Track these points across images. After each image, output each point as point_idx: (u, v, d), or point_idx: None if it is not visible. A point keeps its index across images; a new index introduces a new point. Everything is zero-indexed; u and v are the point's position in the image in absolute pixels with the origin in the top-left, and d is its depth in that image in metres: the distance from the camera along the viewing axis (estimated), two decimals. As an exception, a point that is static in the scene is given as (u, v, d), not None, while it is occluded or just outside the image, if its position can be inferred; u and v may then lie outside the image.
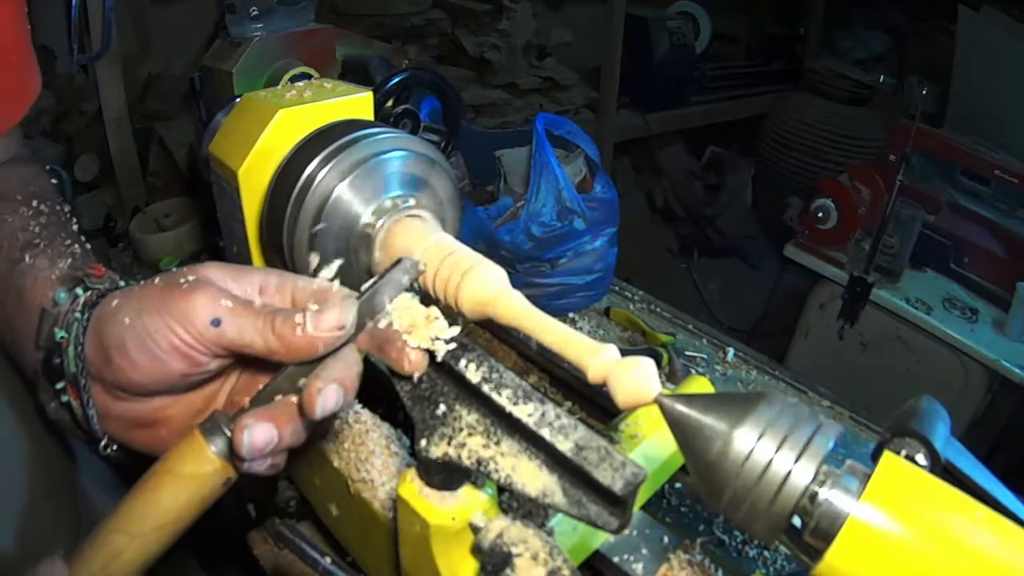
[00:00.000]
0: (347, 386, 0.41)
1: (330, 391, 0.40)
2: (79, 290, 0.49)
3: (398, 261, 0.44)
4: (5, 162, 0.65)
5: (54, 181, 0.66)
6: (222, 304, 0.41)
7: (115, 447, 0.49)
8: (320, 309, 0.41)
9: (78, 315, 0.46)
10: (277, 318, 0.41)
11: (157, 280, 0.44)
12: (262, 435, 0.40)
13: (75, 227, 0.59)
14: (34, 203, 0.58)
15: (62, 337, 0.46)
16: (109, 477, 0.75)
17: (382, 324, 0.43)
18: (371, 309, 0.43)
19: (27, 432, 0.59)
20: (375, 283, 0.43)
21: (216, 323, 0.41)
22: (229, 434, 0.41)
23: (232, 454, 0.41)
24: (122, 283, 0.50)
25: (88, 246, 0.57)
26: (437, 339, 0.41)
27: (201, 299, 0.41)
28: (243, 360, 0.46)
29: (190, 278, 0.43)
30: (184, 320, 0.41)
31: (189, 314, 0.41)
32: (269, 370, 0.45)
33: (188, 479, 0.41)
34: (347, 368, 0.42)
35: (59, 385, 0.47)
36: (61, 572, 0.38)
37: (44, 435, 0.61)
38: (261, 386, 0.44)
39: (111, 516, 0.41)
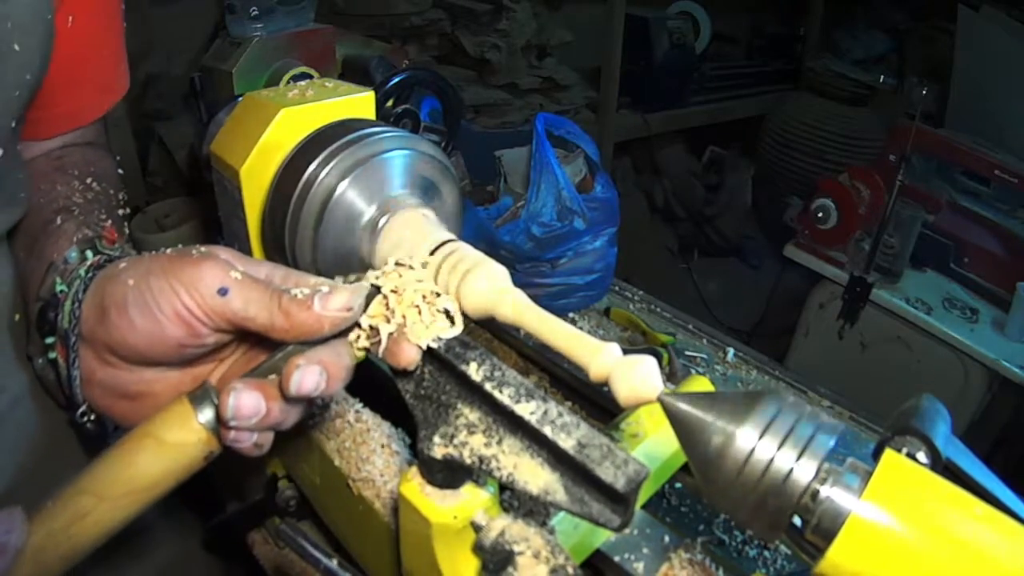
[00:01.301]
0: (331, 372, 0.40)
1: (309, 370, 0.39)
2: (89, 252, 0.49)
3: None
4: (80, 144, 0.66)
5: (120, 171, 0.67)
6: (231, 275, 0.41)
7: (92, 417, 0.48)
8: (329, 291, 0.41)
9: (82, 273, 0.46)
10: (285, 295, 0.41)
11: (168, 250, 0.44)
12: (249, 401, 0.39)
13: (121, 212, 0.59)
14: (88, 180, 0.59)
15: (61, 291, 0.46)
16: None
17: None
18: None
19: (41, 399, 0.58)
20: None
21: (223, 292, 0.40)
22: (217, 403, 0.40)
23: (218, 425, 0.40)
24: (134, 254, 0.50)
25: (127, 230, 0.57)
26: (439, 338, 0.41)
27: (211, 267, 0.41)
28: (241, 340, 0.46)
29: (202, 250, 0.43)
30: (191, 286, 0.41)
31: (196, 280, 0.41)
32: (265, 354, 0.44)
33: (169, 446, 0.40)
34: (336, 356, 0.41)
35: (49, 340, 0.46)
36: (19, 526, 0.37)
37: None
38: None
39: (81, 475, 0.40)
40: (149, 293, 0.41)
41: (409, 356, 0.41)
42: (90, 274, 0.46)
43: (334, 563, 0.47)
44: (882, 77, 2.41)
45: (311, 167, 0.50)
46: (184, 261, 0.42)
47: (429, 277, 0.44)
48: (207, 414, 0.40)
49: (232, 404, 0.39)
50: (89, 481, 0.39)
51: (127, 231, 0.58)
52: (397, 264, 0.44)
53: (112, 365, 0.45)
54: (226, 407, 0.39)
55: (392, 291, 0.43)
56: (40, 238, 0.53)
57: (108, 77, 0.66)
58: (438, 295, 0.43)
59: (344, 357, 0.42)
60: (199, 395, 0.41)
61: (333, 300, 0.40)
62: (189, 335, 0.42)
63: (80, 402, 0.47)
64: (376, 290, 0.43)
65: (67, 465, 0.58)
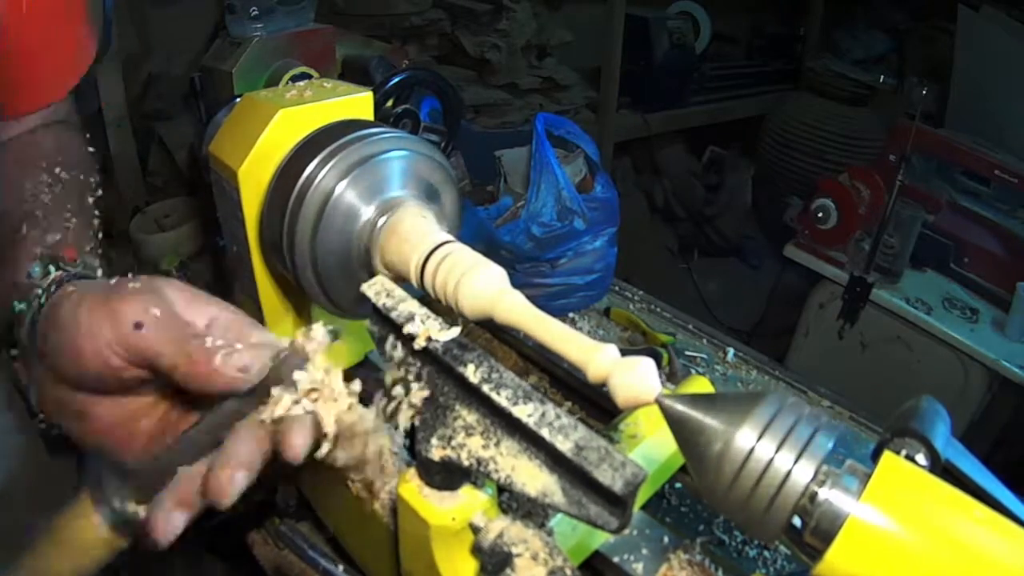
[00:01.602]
0: (253, 471, 0.39)
1: (238, 477, 0.38)
2: (52, 267, 0.49)
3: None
4: (51, 123, 0.66)
5: (91, 149, 0.67)
6: (151, 311, 0.41)
7: (52, 427, 0.48)
8: (241, 349, 0.40)
9: (39, 291, 0.47)
10: (195, 340, 0.40)
11: (114, 280, 0.45)
12: (174, 523, 0.39)
13: (92, 199, 0.59)
14: (56, 170, 0.59)
15: (20, 310, 0.47)
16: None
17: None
18: (281, 376, 0.40)
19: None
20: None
21: (138, 326, 0.40)
22: (118, 506, 0.40)
23: (122, 520, 0.40)
24: (99, 271, 0.51)
25: (96, 220, 0.57)
26: (438, 340, 0.41)
27: (134, 302, 0.41)
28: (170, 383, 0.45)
29: (138, 284, 0.43)
30: (111, 319, 0.41)
31: (117, 314, 0.41)
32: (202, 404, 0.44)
33: (71, 549, 0.40)
34: (253, 454, 0.40)
35: (13, 352, 0.48)
36: None
37: None
38: (190, 419, 0.44)
39: None
40: (75, 323, 0.42)
41: (293, 450, 0.39)
42: (46, 294, 0.47)
43: (333, 565, 0.47)
44: (882, 77, 2.41)
45: (309, 168, 0.50)
46: (115, 294, 0.42)
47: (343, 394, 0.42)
48: (108, 514, 0.40)
49: (159, 527, 0.39)
50: None
51: (97, 217, 0.58)
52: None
53: (59, 384, 0.45)
54: (151, 528, 0.39)
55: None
56: (7, 250, 0.53)
57: (73, 50, 0.66)
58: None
59: (264, 443, 0.40)
60: (98, 494, 0.40)
61: (234, 358, 0.40)
62: (104, 367, 0.42)
63: (38, 413, 0.48)
64: (297, 361, 0.40)
65: (48, 467, 0.59)
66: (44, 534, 0.41)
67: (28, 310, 0.46)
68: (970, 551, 0.28)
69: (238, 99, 0.66)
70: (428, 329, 0.42)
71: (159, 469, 0.40)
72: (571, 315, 1.16)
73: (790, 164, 2.43)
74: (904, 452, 0.33)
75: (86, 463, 0.43)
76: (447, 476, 0.41)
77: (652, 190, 2.75)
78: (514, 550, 0.39)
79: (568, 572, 0.39)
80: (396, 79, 0.93)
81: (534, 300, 0.42)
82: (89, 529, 0.40)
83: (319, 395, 0.40)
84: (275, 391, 0.40)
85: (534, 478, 0.36)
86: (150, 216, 1.35)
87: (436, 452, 0.40)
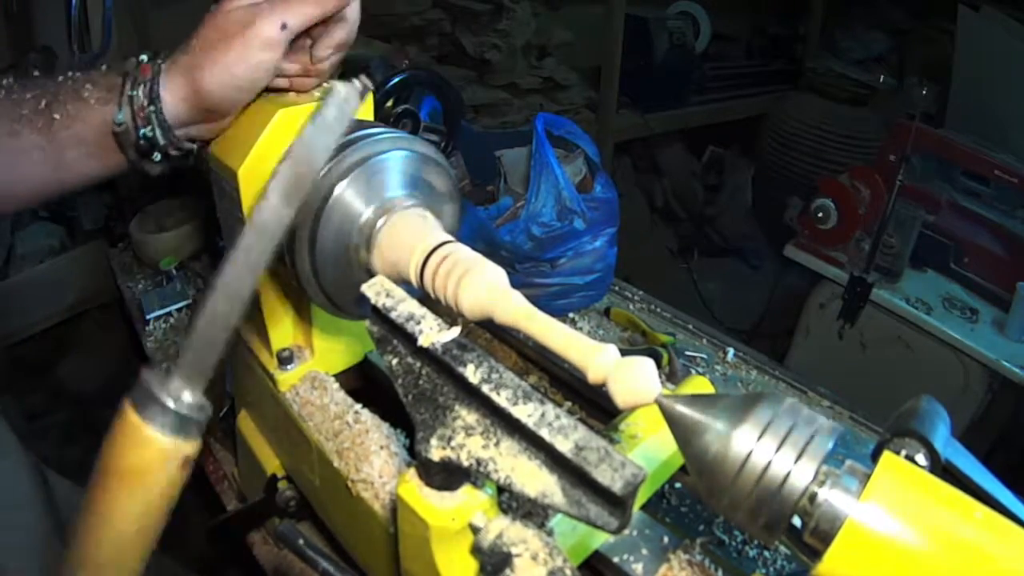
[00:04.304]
0: None
1: None
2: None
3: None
4: None
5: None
6: None
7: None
8: None
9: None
10: None
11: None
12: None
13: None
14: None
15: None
16: None
17: None
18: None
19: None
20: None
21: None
22: (170, 404, 0.32)
23: (186, 425, 0.32)
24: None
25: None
26: (435, 341, 0.41)
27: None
28: None
29: None
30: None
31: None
32: None
33: (135, 476, 0.32)
34: None
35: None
36: None
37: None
38: None
39: (69, 549, 0.34)
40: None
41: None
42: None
43: (333, 565, 0.47)
44: (882, 77, 2.41)
45: (309, 168, 0.50)
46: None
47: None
48: (163, 418, 0.32)
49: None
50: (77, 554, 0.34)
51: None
52: None
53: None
54: None
55: None
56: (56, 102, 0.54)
57: None
58: None
59: None
60: (141, 399, 0.32)
61: None
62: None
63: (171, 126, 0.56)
64: None
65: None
66: (98, 474, 0.33)
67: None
68: (970, 551, 0.28)
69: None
70: (428, 329, 0.42)
71: (202, 341, 0.34)
72: (571, 315, 1.16)
73: (790, 164, 2.43)
74: (904, 452, 0.33)
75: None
76: (447, 476, 0.41)
77: (652, 190, 2.75)
78: (514, 550, 0.39)
79: (568, 572, 0.39)
80: (396, 79, 0.93)
81: (534, 300, 0.42)
82: (149, 447, 0.32)
83: None
84: None
85: (534, 478, 0.36)
86: (150, 216, 1.35)
87: (436, 452, 0.40)
